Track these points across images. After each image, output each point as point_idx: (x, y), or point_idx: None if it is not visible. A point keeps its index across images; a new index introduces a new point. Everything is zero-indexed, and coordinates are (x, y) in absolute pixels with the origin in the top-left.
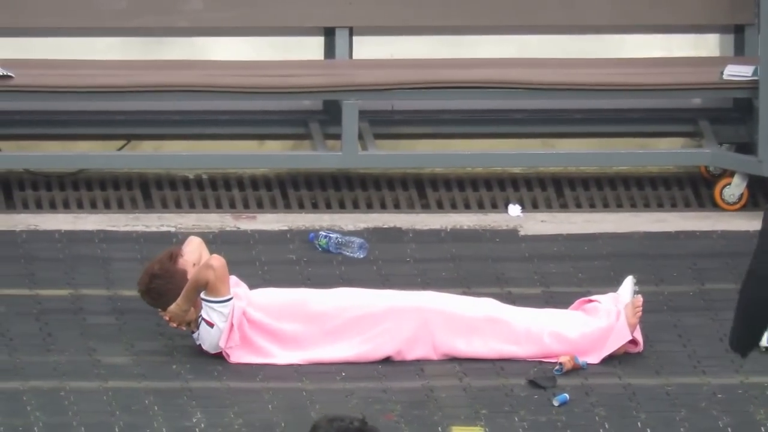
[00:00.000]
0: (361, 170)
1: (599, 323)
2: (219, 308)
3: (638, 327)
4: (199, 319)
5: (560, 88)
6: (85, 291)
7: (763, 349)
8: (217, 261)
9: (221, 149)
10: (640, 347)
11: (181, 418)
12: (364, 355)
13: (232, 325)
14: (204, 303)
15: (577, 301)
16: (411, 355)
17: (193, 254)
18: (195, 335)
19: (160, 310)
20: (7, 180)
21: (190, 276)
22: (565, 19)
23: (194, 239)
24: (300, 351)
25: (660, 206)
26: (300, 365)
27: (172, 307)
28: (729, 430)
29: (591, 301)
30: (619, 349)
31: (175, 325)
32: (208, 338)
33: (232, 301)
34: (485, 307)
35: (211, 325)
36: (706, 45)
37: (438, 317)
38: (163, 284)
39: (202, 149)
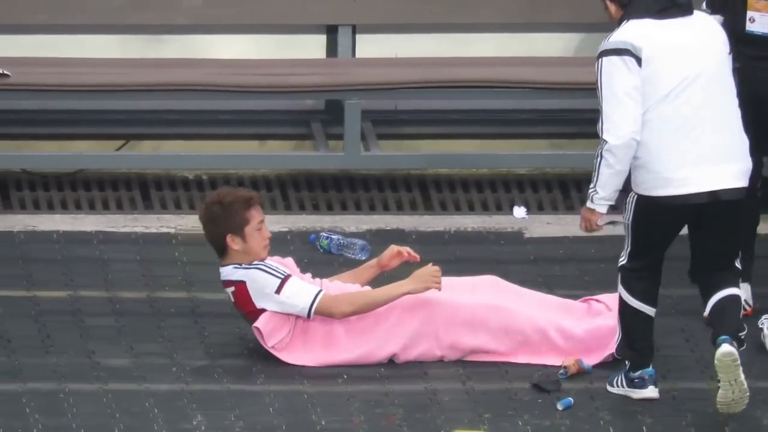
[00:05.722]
0: (364, 171)
1: (605, 321)
2: (287, 309)
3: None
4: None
5: (567, 87)
6: (84, 292)
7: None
8: (342, 315)
9: (221, 149)
10: None
11: (181, 421)
12: (369, 354)
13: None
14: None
15: (581, 300)
16: (416, 351)
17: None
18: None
19: None
20: (5, 180)
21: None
22: (574, 17)
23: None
24: (306, 353)
25: None
26: (303, 367)
27: None
28: None
29: (597, 300)
30: None
31: None
32: (258, 290)
33: (290, 317)
34: (487, 292)
35: (261, 311)
36: None
37: (441, 308)
38: (219, 216)
39: (202, 149)
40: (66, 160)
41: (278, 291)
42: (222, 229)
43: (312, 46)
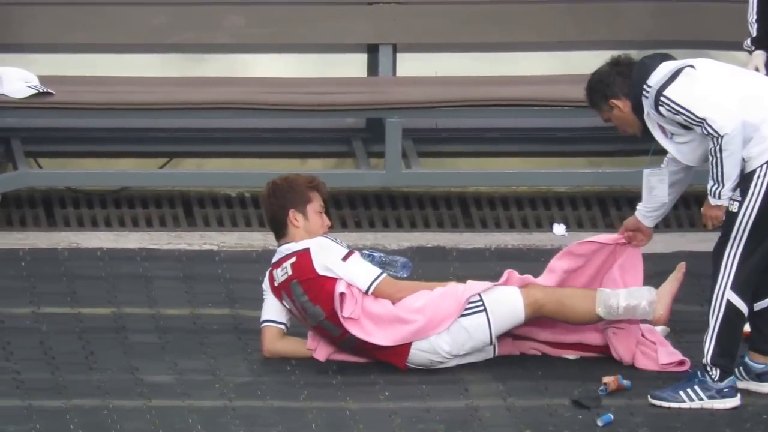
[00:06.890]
0: (405, 188)
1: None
2: (350, 276)
3: (677, 353)
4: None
5: None
6: (128, 309)
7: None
8: (400, 300)
9: (263, 167)
10: (687, 365)
11: None
12: (431, 320)
13: (354, 298)
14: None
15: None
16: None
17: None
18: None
19: None
20: (49, 198)
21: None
22: (610, 35)
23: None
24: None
25: (706, 225)
26: (343, 383)
27: None
28: None
29: None
30: (669, 362)
31: None
32: (323, 254)
33: (346, 297)
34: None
35: (334, 280)
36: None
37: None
38: (283, 191)
39: (244, 167)
40: (110, 177)
41: (344, 259)
42: (285, 202)
43: (353, 65)
